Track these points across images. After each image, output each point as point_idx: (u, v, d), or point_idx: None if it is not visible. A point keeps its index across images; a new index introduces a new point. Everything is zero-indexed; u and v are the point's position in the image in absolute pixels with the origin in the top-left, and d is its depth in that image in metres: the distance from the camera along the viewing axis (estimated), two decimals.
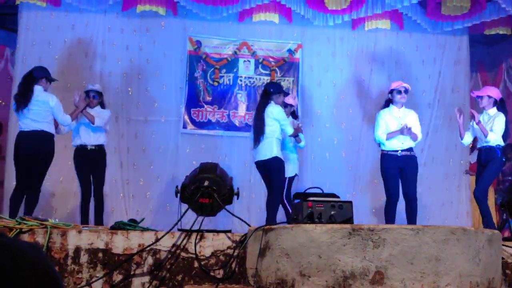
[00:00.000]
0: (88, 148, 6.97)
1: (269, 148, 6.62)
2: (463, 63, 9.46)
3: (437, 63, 9.44)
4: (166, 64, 9.00)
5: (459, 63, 9.46)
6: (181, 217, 4.32)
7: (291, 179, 7.40)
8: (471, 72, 9.57)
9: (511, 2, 8.13)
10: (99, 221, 6.75)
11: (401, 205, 6.89)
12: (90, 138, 6.98)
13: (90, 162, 6.99)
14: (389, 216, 6.81)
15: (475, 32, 9.34)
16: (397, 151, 6.82)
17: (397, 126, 6.82)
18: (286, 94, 7.32)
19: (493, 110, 6.80)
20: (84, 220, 6.75)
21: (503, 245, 4.02)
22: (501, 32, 8.99)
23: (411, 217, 6.70)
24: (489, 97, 6.80)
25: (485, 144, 6.74)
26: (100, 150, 7.06)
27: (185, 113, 8.93)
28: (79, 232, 4.16)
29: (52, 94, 6.82)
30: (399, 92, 6.84)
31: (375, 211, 8.68)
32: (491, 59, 10.06)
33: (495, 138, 6.62)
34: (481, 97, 6.85)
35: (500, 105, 6.86)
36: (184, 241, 4.14)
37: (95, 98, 7.14)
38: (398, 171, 6.83)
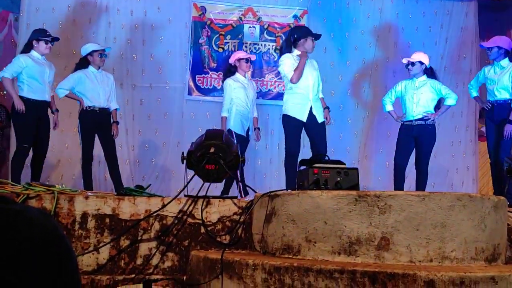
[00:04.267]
0: (97, 110, 6.92)
1: None
2: (470, 29, 9.36)
3: (444, 30, 9.35)
4: (170, 30, 8.94)
5: (466, 30, 9.36)
6: (187, 183, 4.33)
7: None
8: (479, 39, 9.47)
9: None
10: (119, 186, 6.61)
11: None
12: (100, 100, 6.94)
13: (98, 125, 6.95)
14: (396, 183, 6.85)
15: None
16: (411, 121, 6.84)
17: (410, 97, 6.87)
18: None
19: (505, 61, 6.64)
20: (88, 184, 6.73)
21: (509, 211, 4.03)
22: None
23: (419, 188, 6.72)
24: (499, 48, 6.63)
25: (497, 99, 6.62)
26: (108, 113, 7.05)
27: (190, 79, 8.90)
28: (86, 198, 4.18)
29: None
30: (406, 66, 6.94)
31: (381, 178, 8.69)
32: (499, 25, 9.93)
33: None
34: (490, 49, 6.68)
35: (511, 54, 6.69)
36: (191, 207, 4.16)
37: (106, 57, 7.10)
38: (412, 140, 6.85)
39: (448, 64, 9.27)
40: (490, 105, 6.65)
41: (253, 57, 7.45)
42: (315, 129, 6.43)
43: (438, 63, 9.08)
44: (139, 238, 4.11)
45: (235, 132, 6.99)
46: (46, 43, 6.62)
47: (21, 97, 6.46)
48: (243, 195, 6.04)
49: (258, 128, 7.53)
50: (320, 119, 6.47)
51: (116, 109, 7.23)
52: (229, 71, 7.32)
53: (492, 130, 6.67)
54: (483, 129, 7.25)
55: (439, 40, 9.32)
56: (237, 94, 7.15)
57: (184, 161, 4.46)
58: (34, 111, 6.50)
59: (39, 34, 6.68)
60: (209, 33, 9.03)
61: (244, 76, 7.35)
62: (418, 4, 9.34)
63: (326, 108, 6.73)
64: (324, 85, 9.08)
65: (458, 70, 9.23)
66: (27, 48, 6.69)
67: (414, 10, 9.34)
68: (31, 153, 6.64)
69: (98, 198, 4.19)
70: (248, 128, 7.27)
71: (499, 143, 6.53)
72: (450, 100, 6.89)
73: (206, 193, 4.21)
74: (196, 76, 8.94)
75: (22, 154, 6.46)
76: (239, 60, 7.28)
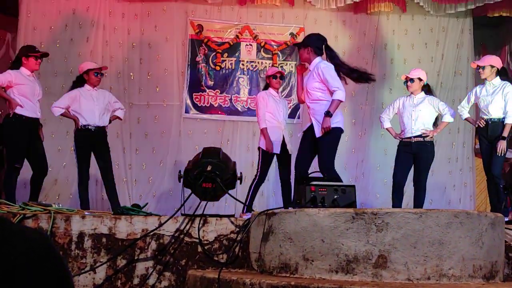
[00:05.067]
0: (92, 129, 6.76)
1: None
2: (466, 45, 9.40)
3: (440, 46, 9.38)
4: (167, 48, 8.97)
5: (462, 46, 9.39)
6: (184, 201, 4.32)
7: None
8: (474, 55, 9.51)
9: None
10: (116, 205, 6.45)
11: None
12: (95, 119, 6.85)
13: (93, 143, 6.81)
14: (394, 200, 6.82)
15: (478, 14, 9.27)
16: (410, 138, 6.83)
17: (408, 114, 6.86)
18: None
19: (497, 80, 6.63)
20: (85, 204, 6.66)
21: (506, 228, 4.02)
22: (504, 14, 8.92)
23: (417, 205, 6.70)
24: (492, 66, 6.62)
25: (491, 117, 6.62)
26: (103, 131, 6.94)
27: (187, 97, 8.92)
28: (83, 217, 4.17)
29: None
30: (405, 83, 6.93)
31: (379, 195, 8.68)
32: (494, 41, 9.99)
33: None
34: (483, 68, 6.69)
35: (502, 73, 6.70)
36: (188, 226, 4.15)
37: (102, 76, 7.02)
38: (411, 158, 6.83)
39: (445, 80, 9.29)
40: (484, 123, 6.67)
41: (283, 73, 7.38)
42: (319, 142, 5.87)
43: (435, 79, 9.10)
44: (136, 257, 4.09)
45: (262, 150, 6.94)
46: (36, 59, 6.49)
47: (14, 113, 6.31)
48: (244, 212, 6.01)
49: None
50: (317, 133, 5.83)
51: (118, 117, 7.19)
52: (265, 87, 7.33)
53: (486, 147, 6.68)
54: (477, 146, 7.25)
55: (435, 56, 9.36)
56: (269, 109, 7.06)
57: (181, 180, 4.46)
58: (26, 129, 6.40)
59: (28, 50, 6.57)
60: (206, 51, 9.07)
61: (277, 92, 7.33)
62: (414, 21, 9.39)
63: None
64: None
65: (455, 86, 9.25)
66: (16, 65, 6.53)
67: (410, 27, 9.39)
68: (31, 172, 6.58)
69: (94, 217, 4.19)
70: (284, 143, 7.04)
71: (493, 158, 6.54)
72: (448, 117, 6.90)
73: (203, 211, 4.21)
74: (193, 94, 8.96)
75: (14, 174, 6.36)
76: (268, 77, 7.29)
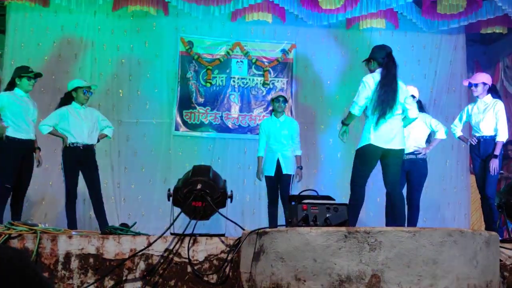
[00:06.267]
0: (81, 147, 6.69)
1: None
2: (459, 62, 9.42)
3: (432, 63, 9.40)
4: (157, 65, 8.94)
5: (455, 62, 9.41)
6: (174, 221, 4.25)
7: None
8: (467, 71, 9.52)
9: (508, 1, 8.09)
10: (104, 224, 6.43)
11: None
12: (83, 137, 6.74)
13: (81, 162, 6.74)
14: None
15: (471, 31, 9.30)
16: None
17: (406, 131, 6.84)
18: None
19: (488, 98, 6.63)
20: (72, 223, 6.57)
21: (501, 247, 3.98)
22: (497, 31, 8.96)
23: (410, 223, 6.64)
24: (484, 84, 6.61)
25: (483, 135, 6.59)
26: (91, 149, 6.84)
27: (177, 114, 8.86)
28: (70, 237, 4.08)
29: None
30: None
31: (372, 213, 8.61)
32: (488, 58, 10.01)
33: (505, 134, 6.46)
34: (476, 85, 6.68)
35: (493, 90, 6.70)
36: (177, 246, 4.07)
37: (91, 94, 6.95)
38: (404, 175, 6.78)
39: (438, 97, 9.29)
40: (477, 140, 6.65)
41: (284, 96, 7.58)
42: None
43: (428, 96, 9.09)
44: (124, 278, 4.01)
45: (265, 176, 7.28)
46: (29, 80, 6.51)
47: (7, 137, 6.32)
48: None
49: (300, 167, 7.34)
50: None
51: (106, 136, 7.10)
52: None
53: (479, 165, 6.65)
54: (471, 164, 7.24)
55: (428, 73, 9.36)
56: (268, 134, 7.33)
57: (170, 198, 4.39)
58: (19, 151, 6.40)
59: (21, 71, 6.57)
60: (196, 68, 9.03)
61: (280, 115, 7.39)
62: (407, 38, 9.39)
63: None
64: (314, 119, 9.10)
65: (448, 103, 9.25)
66: (11, 86, 6.57)
67: (403, 43, 9.38)
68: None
69: (82, 237, 4.10)
70: (278, 165, 7.22)
71: (486, 178, 6.49)
72: (441, 134, 6.87)
73: (193, 231, 4.14)
74: (184, 111, 8.91)
75: (4, 194, 6.33)
76: (271, 100, 7.55)
